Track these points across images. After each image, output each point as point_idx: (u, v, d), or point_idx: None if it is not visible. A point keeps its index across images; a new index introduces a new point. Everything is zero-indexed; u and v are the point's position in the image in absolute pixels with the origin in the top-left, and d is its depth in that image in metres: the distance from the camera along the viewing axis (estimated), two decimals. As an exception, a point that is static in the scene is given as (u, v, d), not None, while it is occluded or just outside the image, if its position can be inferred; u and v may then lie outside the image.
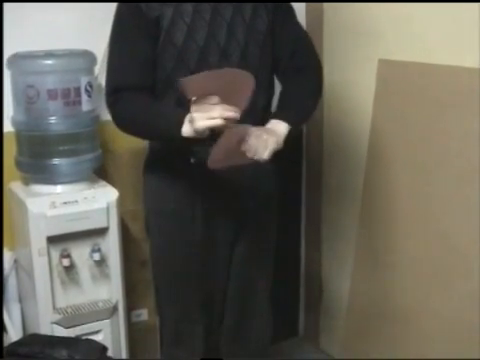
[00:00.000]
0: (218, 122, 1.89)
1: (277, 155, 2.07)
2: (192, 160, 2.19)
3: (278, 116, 2.16)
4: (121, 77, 2.15)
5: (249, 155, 2.00)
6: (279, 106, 2.23)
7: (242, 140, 1.99)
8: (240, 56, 2.18)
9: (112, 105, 2.17)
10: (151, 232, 2.38)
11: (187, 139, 2.00)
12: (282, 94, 2.26)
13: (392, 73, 2.70)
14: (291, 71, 2.28)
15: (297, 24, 2.34)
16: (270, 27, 2.23)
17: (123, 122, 2.18)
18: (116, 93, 2.14)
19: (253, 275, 2.41)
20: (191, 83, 1.93)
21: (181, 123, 1.98)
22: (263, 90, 2.22)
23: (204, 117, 1.90)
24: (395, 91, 2.69)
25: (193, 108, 1.93)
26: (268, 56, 2.25)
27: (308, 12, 3.11)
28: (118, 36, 2.17)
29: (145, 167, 2.36)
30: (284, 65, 2.29)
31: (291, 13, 2.32)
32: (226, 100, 1.92)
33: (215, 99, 1.91)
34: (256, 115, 2.15)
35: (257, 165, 2.06)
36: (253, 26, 2.20)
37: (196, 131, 1.93)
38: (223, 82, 1.93)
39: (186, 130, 1.98)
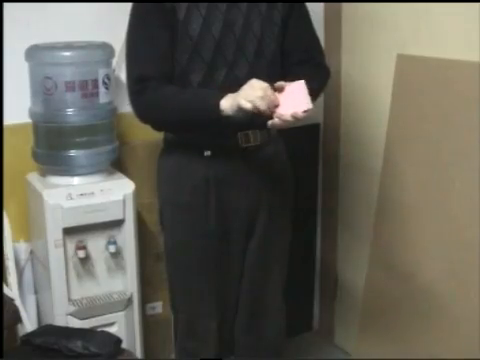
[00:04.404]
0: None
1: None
2: (206, 153, 2.19)
3: None
4: (146, 66, 2.10)
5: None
6: None
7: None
8: (256, 49, 2.16)
9: (139, 94, 2.10)
10: (165, 225, 2.38)
11: (215, 127, 1.98)
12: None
13: (410, 68, 2.69)
14: (299, 64, 2.25)
15: (309, 20, 2.32)
16: (284, 20, 2.22)
17: (152, 110, 2.12)
18: (143, 82, 2.09)
19: (268, 270, 2.40)
20: None
21: (220, 97, 1.95)
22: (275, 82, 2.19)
23: (258, 97, 1.90)
24: (413, 86, 2.68)
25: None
26: (280, 49, 2.24)
27: (326, 8, 3.11)
28: (138, 26, 2.13)
29: (159, 159, 2.35)
30: (292, 59, 2.26)
31: (304, 8, 2.30)
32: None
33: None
34: None
35: (273, 156, 1.99)
36: (269, 18, 2.18)
37: (239, 106, 1.92)
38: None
39: (226, 103, 1.95)
